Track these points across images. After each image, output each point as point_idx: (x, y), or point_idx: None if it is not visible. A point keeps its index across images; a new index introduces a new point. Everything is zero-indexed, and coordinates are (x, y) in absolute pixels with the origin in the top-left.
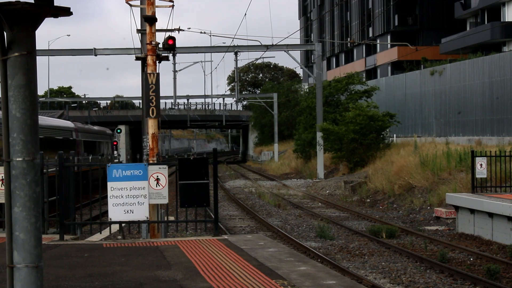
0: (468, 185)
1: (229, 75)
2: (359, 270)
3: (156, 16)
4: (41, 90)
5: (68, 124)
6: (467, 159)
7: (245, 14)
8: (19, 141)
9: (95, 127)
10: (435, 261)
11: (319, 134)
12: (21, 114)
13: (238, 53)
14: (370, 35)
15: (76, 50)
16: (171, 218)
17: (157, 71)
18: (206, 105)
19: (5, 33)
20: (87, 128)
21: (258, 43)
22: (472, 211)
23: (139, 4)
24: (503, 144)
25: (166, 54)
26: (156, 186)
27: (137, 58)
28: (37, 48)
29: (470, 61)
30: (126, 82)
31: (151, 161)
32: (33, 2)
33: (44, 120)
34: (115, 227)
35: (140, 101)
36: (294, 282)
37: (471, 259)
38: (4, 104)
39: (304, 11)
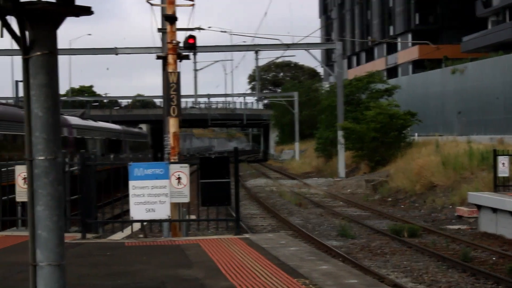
0: (490, 184)
1: (250, 74)
2: (380, 269)
3: (177, 15)
4: (62, 89)
5: (118, 127)
6: (489, 158)
7: (266, 13)
8: (41, 140)
9: (135, 129)
10: (457, 260)
11: (340, 133)
12: (43, 113)
13: (259, 52)
14: (391, 33)
15: (98, 49)
16: (193, 216)
17: (178, 70)
18: (227, 104)
19: (27, 33)
20: (130, 130)
21: (279, 42)
22: (495, 210)
23: (159, 3)
24: None
25: (187, 53)
26: (178, 185)
27: (158, 57)
28: (58, 47)
29: (492, 59)
30: (147, 81)
31: (172, 160)
32: (54, 1)
33: (107, 125)
34: (137, 226)
35: (161, 100)
36: (315, 281)
37: (494, 258)
38: (26, 103)
39: (324, 9)
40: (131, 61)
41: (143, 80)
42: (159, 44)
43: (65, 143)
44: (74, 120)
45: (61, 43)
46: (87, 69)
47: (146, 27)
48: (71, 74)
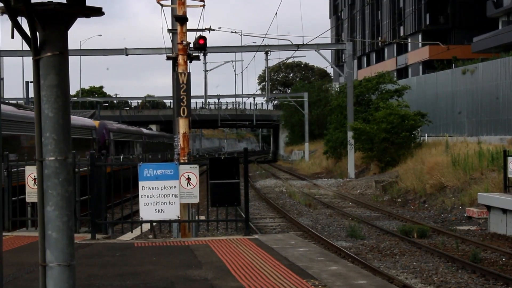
0: (500, 184)
1: (260, 75)
2: (390, 270)
3: (187, 16)
4: (72, 89)
5: (163, 133)
6: (499, 158)
7: (276, 13)
8: (52, 140)
9: (166, 134)
10: (467, 261)
11: (350, 134)
12: (53, 114)
13: (269, 52)
14: (401, 34)
15: (108, 50)
16: (202, 217)
17: (188, 71)
18: (237, 105)
19: (37, 33)
20: (166, 135)
21: (289, 43)
22: (505, 211)
23: (170, 4)
24: None
25: (197, 54)
26: (187, 186)
27: (168, 58)
28: (69, 48)
29: (503, 60)
30: (157, 82)
31: (182, 161)
32: (65, 2)
33: (158, 132)
34: (146, 226)
35: (171, 100)
36: (325, 281)
37: (504, 259)
38: (36, 104)
39: (334, 10)
40: (141, 62)
41: (153, 81)
42: (169, 44)
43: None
44: (144, 130)
45: (71, 44)
46: (96, 70)
47: (153, 28)
48: (81, 75)
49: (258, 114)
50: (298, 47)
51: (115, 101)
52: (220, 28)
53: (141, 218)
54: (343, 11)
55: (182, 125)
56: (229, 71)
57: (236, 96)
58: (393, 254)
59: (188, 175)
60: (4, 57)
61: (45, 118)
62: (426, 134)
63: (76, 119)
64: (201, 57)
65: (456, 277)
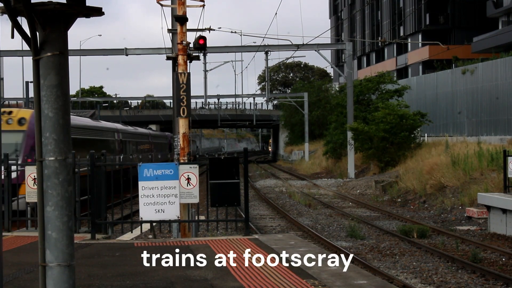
0: (500, 184)
1: (260, 75)
2: (390, 270)
3: (187, 16)
4: (72, 89)
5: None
6: (499, 158)
7: (276, 13)
8: (52, 140)
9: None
10: (466, 261)
11: (349, 134)
12: (53, 114)
13: (269, 52)
14: (401, 34)
15: (108, 50)
16: (202, 217)
17: (188, 71)
18: (237, 105)
19: (37, 33)
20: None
21: (289, 43)
22: (504, 211)
23: (170, 4)
24: None
25: (197, 54)
26: (187, 186)
27: (168, 58)
28: (69, 48)
29: (502, 60)
30: (156, 82)
31: (182, 161)
32: (65, 2)
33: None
34: (146, 226)
35: (171, 100)
36: (325, 281)
37: (504, 259)
38: (36, 104)
39: (334, 10)
40: (140, 62)
41: (152, 81)
42: (169, 44)
43: (169, 147)
44: (168, 134)
45: (71, 44)
46: (96, 70)
47: (147, 28)
48: (81, 75)
49: (258, 114)
50: (298, 47)
51: (115, 101)
52: (220, 28)
53: (141, 218)
54: (343, 11)
55: (182, 125)
56: (229, 71)
57: (236, 96)
58: (393, 254)
59: (188, 175)
60: (4, 57)
61: (45, 118)
62: (426, 134)
63: (163, 133)
64: (201, 57)
65: (456, 277)
